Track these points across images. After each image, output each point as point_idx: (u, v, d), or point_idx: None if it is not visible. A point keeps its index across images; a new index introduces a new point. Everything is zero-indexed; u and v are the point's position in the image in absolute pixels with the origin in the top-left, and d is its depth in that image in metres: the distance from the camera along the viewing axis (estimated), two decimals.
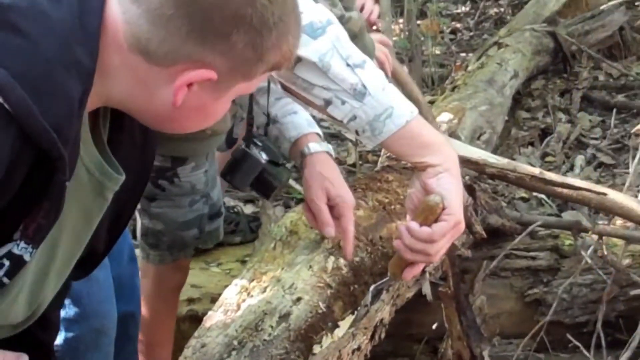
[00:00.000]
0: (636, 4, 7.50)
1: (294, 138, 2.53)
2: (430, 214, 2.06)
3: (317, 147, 2.51)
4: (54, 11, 1.47)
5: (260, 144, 2.34)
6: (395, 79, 3.19)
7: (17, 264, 1.57)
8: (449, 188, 2.07)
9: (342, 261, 2.54)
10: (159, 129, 1.75)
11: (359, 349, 2.14)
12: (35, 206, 1.50)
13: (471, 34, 8.18)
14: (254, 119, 2.54)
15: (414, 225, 2.07)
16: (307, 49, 2.00)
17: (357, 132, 2.09)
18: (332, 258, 2.50)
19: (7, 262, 1.56)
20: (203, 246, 2.91)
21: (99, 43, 1.51)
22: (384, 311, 2.34)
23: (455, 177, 2.10)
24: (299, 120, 2.56)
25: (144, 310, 3.06)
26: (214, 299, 3.03)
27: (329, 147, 2.58)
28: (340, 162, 5.17)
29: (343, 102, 2.04)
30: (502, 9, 8.51)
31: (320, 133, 2.60)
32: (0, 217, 1.49)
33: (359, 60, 2.05)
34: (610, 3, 7.19)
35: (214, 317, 2.32)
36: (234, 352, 2.09)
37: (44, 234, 1.56)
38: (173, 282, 3.04)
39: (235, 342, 2.13)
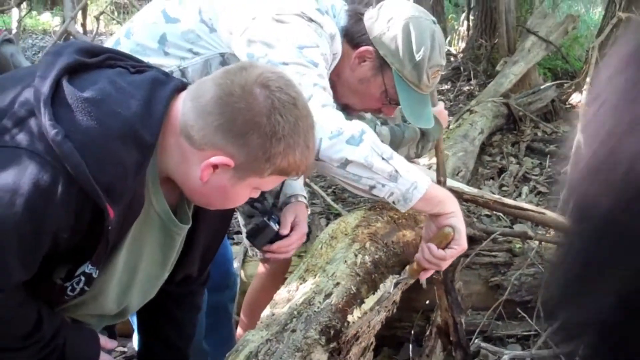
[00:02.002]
0: (564, 85, 7.40)
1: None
2: (444, 240, 2.09)
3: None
4: (123, 101, 1.45)
5: (275, 217, 2.29)
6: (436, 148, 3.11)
7: (89, 279, 1.55)
8: (458, 226, 2.08)
9: (367, 257, 2.51)
10: (193, 201, 1.68)
11: (380, 320, 2.11)
12: (97, 240, 1.48)
13: (452, 103, 8.14)
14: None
15: (434, 247, 2.09)
16: (354, 154, 1.95)
17: (393, 202, 2.06)
18: (359, 256, 2.47)
19: (83, 278, 1.54)
20: None
21: (161, 125, 1.47)
22: (397, 295, 2.30)
23: (461, 219, 2.11)
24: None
25: (257, 283, 2.98)
26: None
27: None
28: None
29: (383, 185, 2.00)
30: (472, 87, 8.46)
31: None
32: (71, 246, 1.46)
33: (389, 153, 2.00)
34: (546, 84, 7.15)
35: (281, 294, 2.30)
36: (294, 319, 2.07)
37: (100, 260, 1.54)
38: (278, 270, 2.95)
39: (295, 312, 2.11)
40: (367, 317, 2.15)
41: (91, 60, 1.54)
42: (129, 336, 2.97)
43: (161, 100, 1.48)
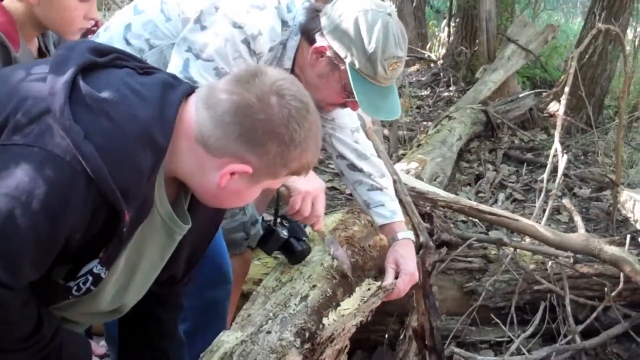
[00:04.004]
0: (543, 94, 7.47)
1: (380, 224, 2.59)
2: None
3: (402, 235, 2.56)
4: (138, 103, 1.46)
5: (287, 224, 2.28)
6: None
7: (97, 279, 1.54)
8: (405, 256, 2.38)
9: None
10: (204, 202, 1.69)
11: (356, 324, 2.11)
12: (108, 241, 1.48)
13: (430, 109, 8.18)
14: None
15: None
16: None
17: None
18: (335, 261, 2.48)
19: (90, 277, 1.53)
20: (252, 245, 2.84)
21: (173, 129, 1.49)
22: (377, 303, 2.30)
23: (409, 248, 2.38)
24: (383, 212, 2.58)
25: None
26: (255, 282, 3.01)
27: (410, 234, 2.63)
28: (341, 192, 5.15)
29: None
30: (451, 93, 8.50)
31: (403, 220, 2.66)
32: (82, 246, 1.46)
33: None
34: (524, 93, 7.20)
35: (257, 297, 2.29)
36: (270, 321, 2.07)
37: (112, 261, 1.55)
38: (240, 269, 2.96)
39: (271, 314, 2.11)
40: (343, 320, 2.16)
41: (102, 60, 1.54)
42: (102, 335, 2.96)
43: (173, 104, 1.50)
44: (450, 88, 8.71)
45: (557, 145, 3.79)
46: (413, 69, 9.76)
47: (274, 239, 2.40)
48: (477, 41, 8.02)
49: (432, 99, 8.52)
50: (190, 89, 1.57)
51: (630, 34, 8.84)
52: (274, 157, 1.51)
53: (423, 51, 9.43)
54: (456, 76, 8.73)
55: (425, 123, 7.25)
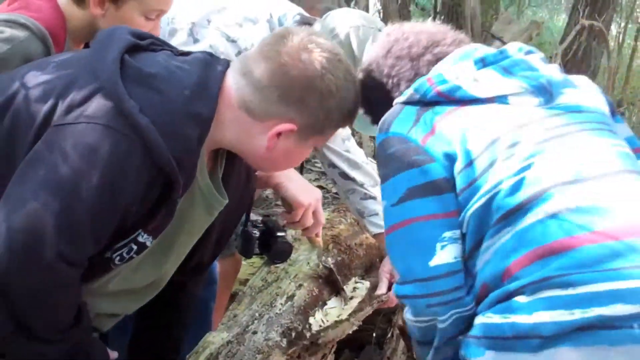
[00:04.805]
0: None
1: (373, 233, 2.58)
2: None
3: None
4: (184, 78, 1.51)
5: (260, 225, 2.27)
6: None
7: (141, 247, 1.57)
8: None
9: (330, 260, 2.51)
10: (258, 168, 1.78)
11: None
12: (157, 212, 1.52)
13: None
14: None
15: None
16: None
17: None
18: (322, 258, 2.47)
19: (134, 246, 1.55)
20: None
21: (217, 101, 1.54)
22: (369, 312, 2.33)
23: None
24: (377, 221, 2.55)
25: None
26: (242, 282, 3.01)
27: None
28: (327, 190, 5.15)
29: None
30: None
31: None
32: (135, 218, 1.49)
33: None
34: None
35: (243, 297, 2.29)
36: (255, 321, 2.07)
37: (160, 230, 1.58)
38: (231, 269, 2.95)
39: (257, 314, 2.11)
40: (342, 328, 2.16)
41: (142, 42, 1.60)
42: None
43: (215, 77, 1.55)
44: None
45: None
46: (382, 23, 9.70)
47: (248, 242, 2.38)
48: None
49: None
50: (227, 63, 1.62)
51: (614, 29, 8.89)
52: (315, 111, 1.56)
53: None
54: None
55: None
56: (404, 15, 10.06)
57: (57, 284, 1.42)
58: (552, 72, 1.60)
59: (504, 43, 6.94)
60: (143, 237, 1.55)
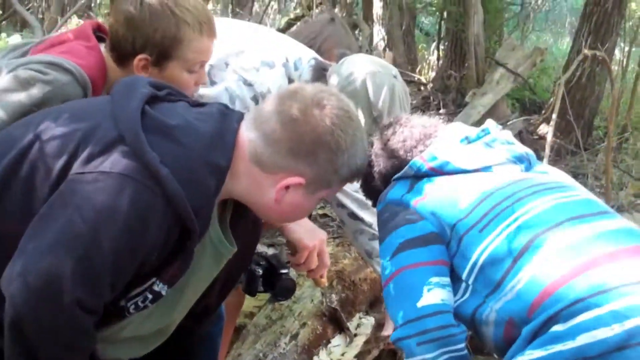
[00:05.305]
0: (531, 120, 7.52)
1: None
2: None
3: None
4: (202, 129, 1.54)
5: (263, 263, 2.28)
6: None
7: (156, 296, 1.59)
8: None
9: (334, 296, 2.53)
10: (265, 219, 1.80)
11: None
12: (173, 260, 1.53)
13: None
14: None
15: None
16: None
17: None
18: (326, 295, 2.48)
19: (150, 295, 1.57)
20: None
21: (233, 153, 1.56)
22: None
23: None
24: None
25: None
26: (246, 315, 3.01)
27: None
28: (332, 219, 5.15)
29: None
30: (442, 117, 8.50)
31: None
32: (152, 267, 1.51)
33: None
34: (513, 120, 7.26)
35: (247, 335, 2.30)
36: None
37: (176, 280, 1.59)
38: (235, 302, 2.96)
39: (261, 355, 2.12)
40: None
41: (160, 93, 1.63)
42: None
43: (231, 129, 1.58)
44: (441, 111, 8.73)
45: None
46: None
47: (252, 281, 2.39)
48: (466, 65, 8.06)
49: None
50: (242, 115, 1.65)
51: (618, 53, 8.92)
52: (324, 165, 1.58)
53: (413, 74, 9.47)
54: (446, 99, 8.76)
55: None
56: (408, 41, 10.12)
57: (74, 330, 1.43)
58: (525, 147, 1.81)
59: (508, 70, 6.97)
60: (159, 286, 1.57)
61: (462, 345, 1.58)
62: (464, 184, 1.69)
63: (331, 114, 1.56)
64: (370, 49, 8.13)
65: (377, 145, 1.87)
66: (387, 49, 9.05)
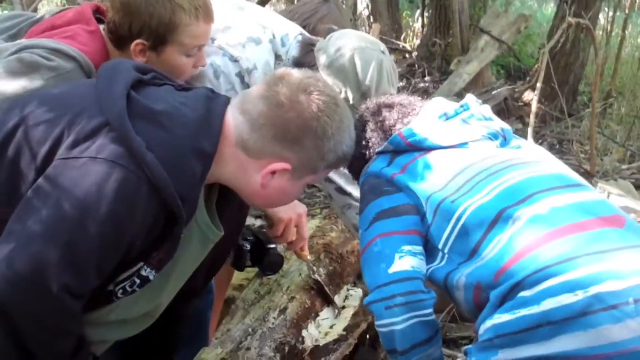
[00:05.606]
0: (517, 83, 7.51)
1: None
2: None
3: None
4: (188, 114, 1.54)
5: (251, 238, 2.28)
6: None
7: (144, 281, 1.61)
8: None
9: (321, 270, 2.54)
10: (251, 203, 1.80)
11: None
12: (160, 245, 1.55)
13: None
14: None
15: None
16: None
17: None
18: (314, 268, 2.49)
19: (137, 280, 1.59)
20: None
21: (219, 138, 1.56)
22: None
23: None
24: None
25: None
26: (235, 288, 3.02)
27: None
28: (319, 189, 5.15)
29: None
30: (427, 84, 8.52)
31: None
32: (138, 252, 1.52)
33: None
34: (498, 82, 7.25)
35: (236, 310, 2.31)
36: (249, 337, 2.09)
37: (163, 264, 1.61)
38: (224, 276, 2.96)
39: (250, 329, 2.13)
40: (342, 350, 2.20)
41: (146, 77, 1.62)
42: None
43: (217, 114, 1.59)
44: (426, 79, 8.72)
45: (530, 140, 3.84)
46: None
47: (240, 256, 2.40)
48: (451, 32, 8.03)
49: (409, 91, 8.52)
50: (227, 99, 1.65)
51: (602, 18, 8.91)
52: (310, 151, 1.59)
53: (397, 42, 9.43)
54: (431, 67, 8.74)
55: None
56: (392, 8, 10.06)
57: (61, 315, 1.45)
58: (502, 123, 1.91)
59: (492, 37, 6.96)
60: (146, 271, 1.58)
61: (430, 310, 1.66)
62: (440, 159, 1.77)
63: (317, 100, 1.57)
64: (354, 18, 8.08)
65: (357, 127, 1.90)
66: (372, 18, 9.00)
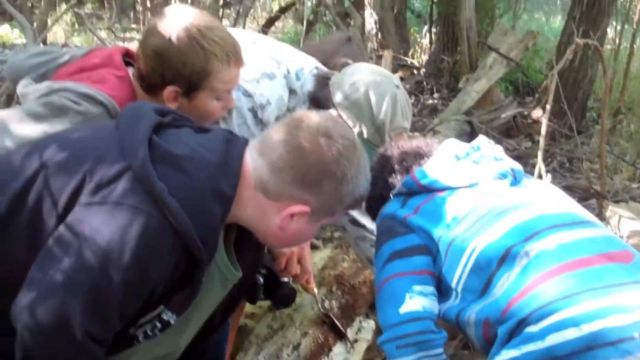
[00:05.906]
0: (525, 110, 7.51)
1: None
2: None
3: None
4: (208, 157, 1.54)
5: (264, 272, 2.29)
6: None
7: (165, 325, 1.62)
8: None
9: (334, 302, 2.55)
10: (268, 244, 1.83)
11: None
12: (181, 289, 1.57)
13: (416, 118, 8.20)
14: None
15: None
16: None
17: None
18: (326, 302, 2.50)
19: (158, 324, 1.61)
20: None
21: (239, 180, 1.57)
22: None
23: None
24: None
25: None
26: (247, 315, 3.02)
27: None
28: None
29: None
30: (435, 101, 8.54)
31: None
32: (159, 295, 1.52)
33: None
34: (507, 100, 7.25)
35: (249, 347, 2.32)
36: None
37: (185, 308, 1.63)
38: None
39: None
40: None
41: (166, 120, 1.63)
42: None
43: (236, 156, 1.59)
44: (434, 96, 8.74)
45: (540, 164, 3.83)
46: (396, 76, 9.73)
47: (254, 289, 2.41)
48: (459, 49, 8.05)
49: (417, 108, 8.54)
50: (246, 141, 1.66)
51: (610, 32, 8.90)
52: (329, 195, 1.60)
53: (405, 58, 9.46)
54: (439, 83, 8.76)
55: (411, 134, 7.25)
56: (400, 23, 10.10)
57: None
58: (513, 163, 1.92)
59: (501, 54, 6.97)
60: (167, 315, 1.60)
61: (440, 350, 1.69)
62: (451, 200, 1.80)
63: (337, 144, 1.58)
64: (362, 38, 8.09)
65: (376, 168, 1.96)
66: (380, 35, 9.02)
